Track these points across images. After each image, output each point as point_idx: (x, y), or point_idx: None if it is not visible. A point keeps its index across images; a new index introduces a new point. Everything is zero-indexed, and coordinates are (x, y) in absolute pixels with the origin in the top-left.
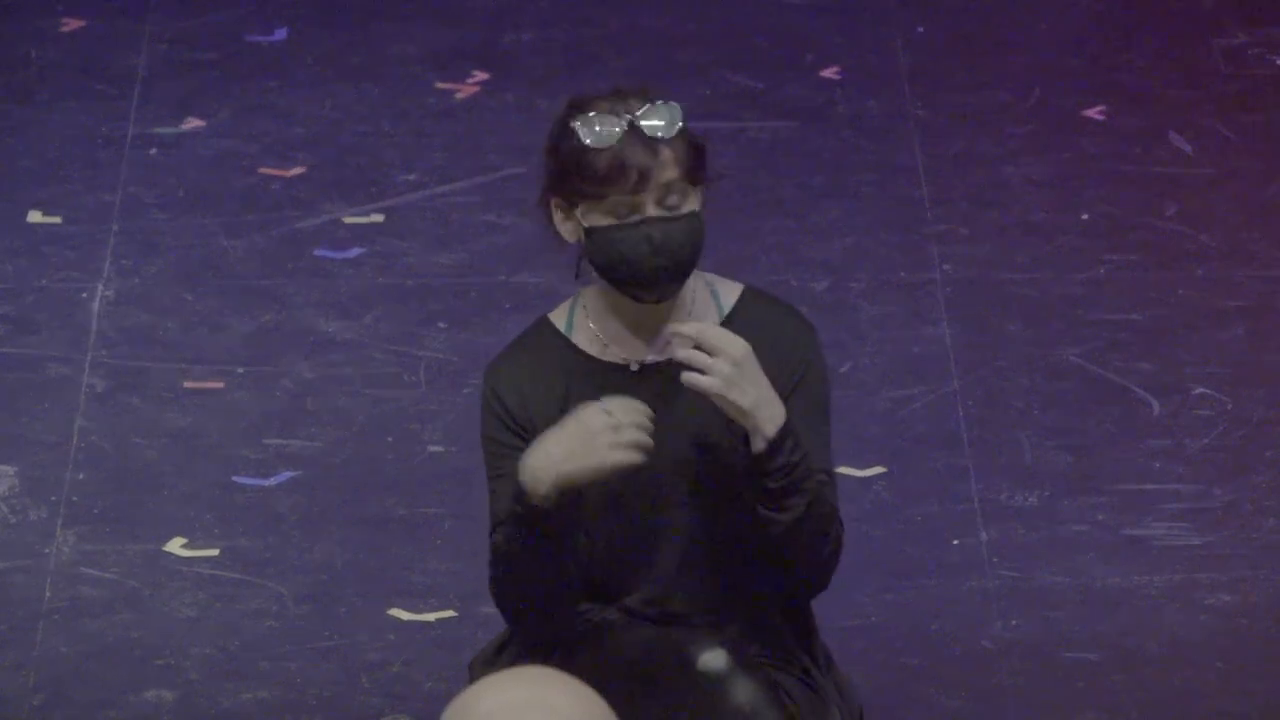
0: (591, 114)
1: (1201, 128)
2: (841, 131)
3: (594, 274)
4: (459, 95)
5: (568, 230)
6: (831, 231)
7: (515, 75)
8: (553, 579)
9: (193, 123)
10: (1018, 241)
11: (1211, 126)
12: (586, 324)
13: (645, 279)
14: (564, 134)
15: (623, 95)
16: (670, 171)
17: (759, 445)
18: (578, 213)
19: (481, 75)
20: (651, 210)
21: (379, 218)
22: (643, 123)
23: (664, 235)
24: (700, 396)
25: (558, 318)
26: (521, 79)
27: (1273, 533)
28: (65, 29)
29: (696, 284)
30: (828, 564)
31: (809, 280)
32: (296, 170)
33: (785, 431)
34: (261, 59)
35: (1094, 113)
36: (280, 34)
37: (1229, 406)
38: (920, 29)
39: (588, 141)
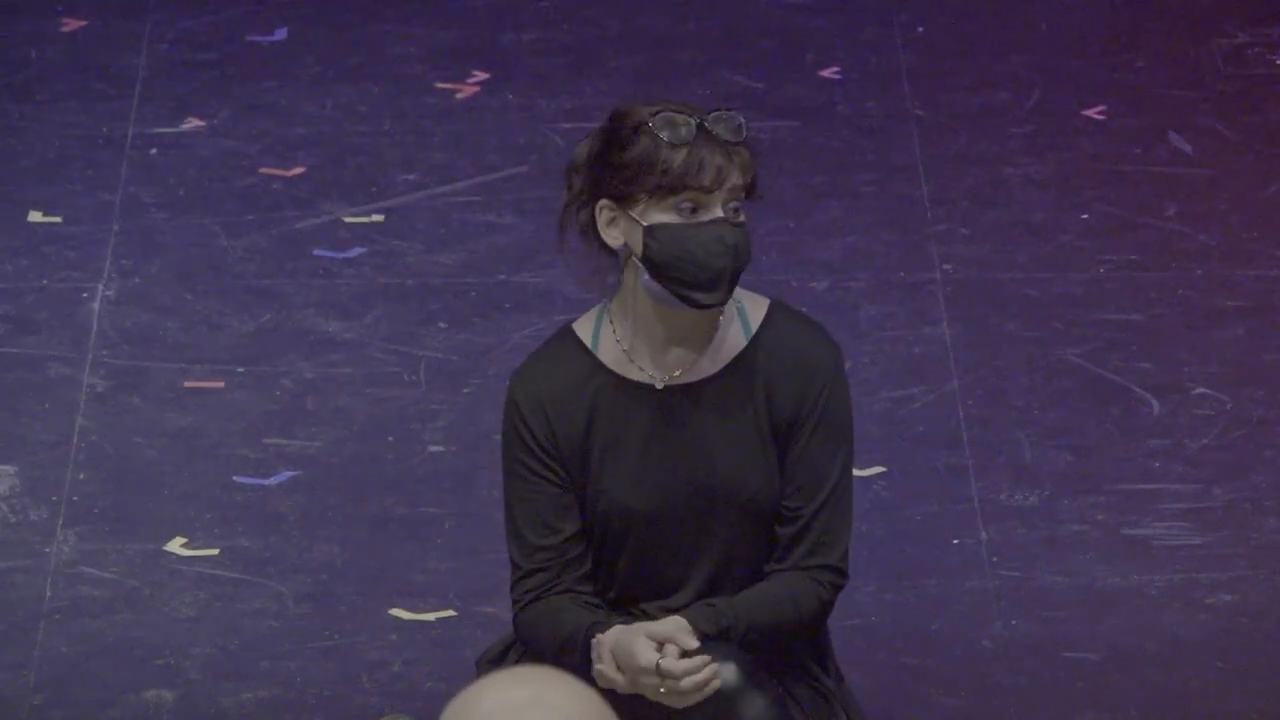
0: (664, 113)
1: (1201, 128)
2: (841, 131)
3: (642, 278)
4: (459, 95)
5: (614, 234)
6: (831, 231)
7: (515, 75)
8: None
9: (193, 123)
10: (1018, 241)
11: (1211, 126)
12: (613, 339)
13: (710, 280)
14: (624, 136)
15: (676, 105)
16: (738, 177)
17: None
18: (635, 212)
19: (481, 75)
20: (719, 212)
21: (379, 218)
22: (711, 126)
23: (735, 238)
24: (726, 418)
25: (582, 329)
26: (521, 79)
27: (1273, 533)
28: (65, 29)
29: (728, 304)
30: (812, 632)
31: (809, 280)
32: (296, 170)
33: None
34: (261, 59)
35: (1094, 113)
36: (280, 34)
37: (1229, 406)
38: (920, 29)
39: (664, 136)
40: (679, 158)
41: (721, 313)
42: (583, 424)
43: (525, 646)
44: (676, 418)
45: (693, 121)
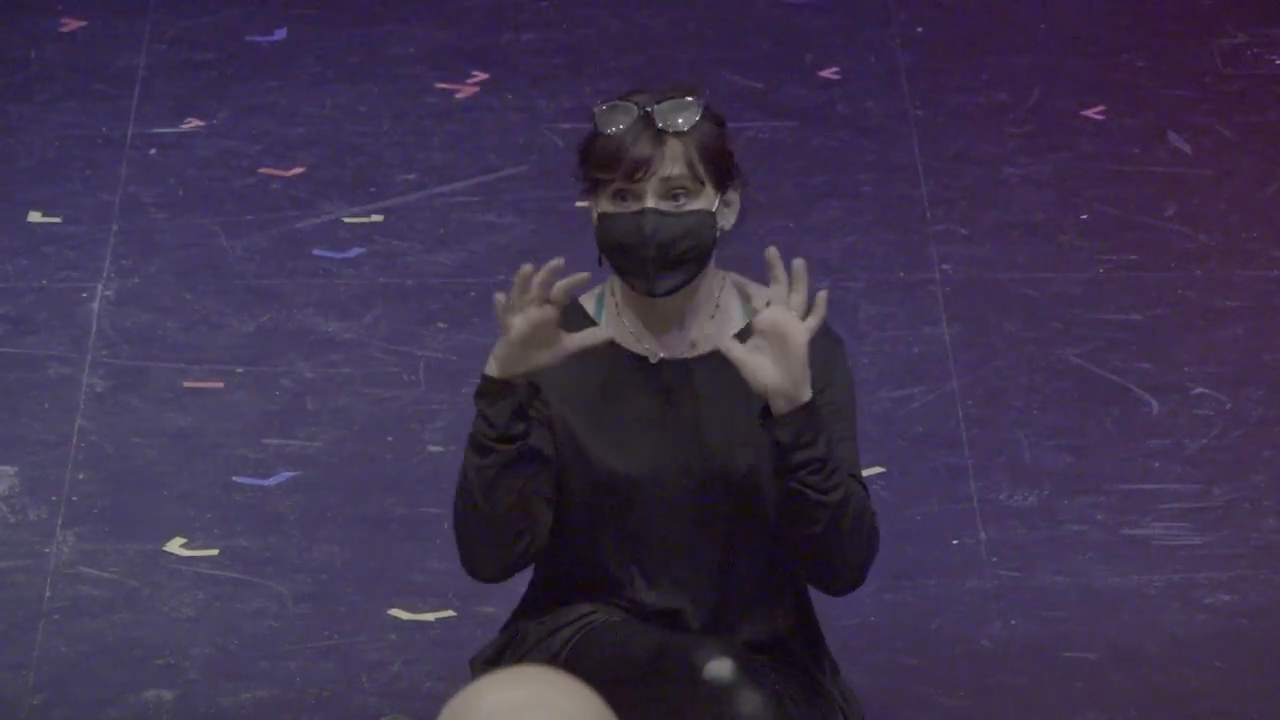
0: (613, 101)
1: (1200, 127)
2: (841, 131)
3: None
4: (459, 95)
5: (593, 219)
6: (831, 231)
7: (515, 75)
8: (514, 503)
9: (192, 122)
10: (1017, 241)
11: (1211, 126)
12: (615, 311)
13: (634, 268)
14: (591, 124)
15: (661, 90)
16: (675, 166)
17: (774, 419)
18: (595, 201)
19: (481, 75)
20: (651, 201)
21: (379, 217)
22: (656, 114)
23: (656, 226)
24: (718, 395)
25: (588, 301)
26: (521, 79)
27: (1272, 532)
28: (65, 29)
29: (726, 287)
30: (866, 555)
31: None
32: (296, 170)
33: (801, 411)
34: (261, 59)
35: (1093, 113)
36: (280, 34)
37: (1228, 406)
38: (920, 29)
39: (598, 126)
40: (608, 148)
41: (693, 298)
42: (573, 385)
43: (458, 508)
44: (669, 392)
45: (634, 110)
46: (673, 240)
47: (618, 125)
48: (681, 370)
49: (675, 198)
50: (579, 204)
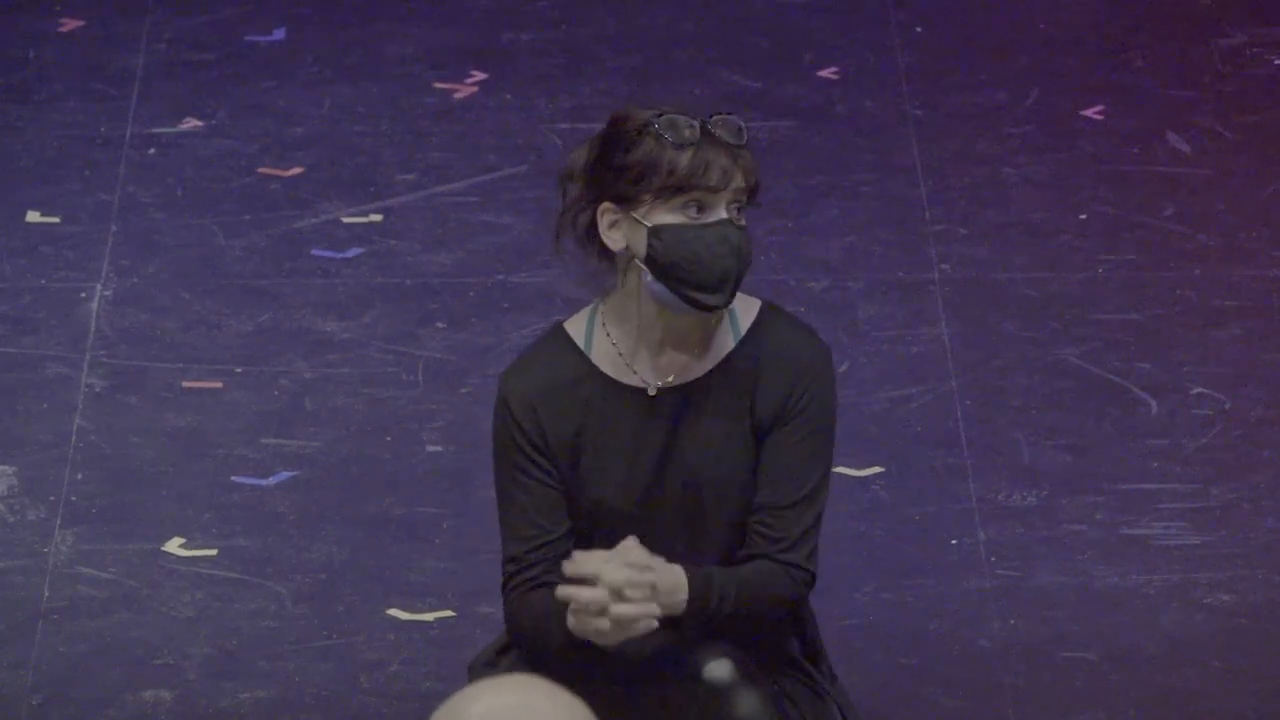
0: (666, 115)
1: (1200, 128)
2: (840, 131)
3: (645, 280)
4: (457, 95)
5: (616, 237)
6: (830, 231)
7: (514, 75)
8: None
9: (191, 122)
10: (1016, 241)
11: (1210, 126)
12: (607, 341)
13: (715, 281)
14: (627, 138)
15: (674, 108)
16: (742, 179)
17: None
18: (638, 214)
19: (480, 75)
20: (724, 213)
21: (377, 217)
22: (714, 129)
23: (738, 239)
24: (715, 419)
25: (575, 329)
26: (520, 79)
27: (1271, 532)
28: (64, 29)
29: None
30: (773, 625)
31: (807, 280)
32: (295, 170)
33: (690, 606)
34: (261, 59)
35: (1092, 112)
36: (279, 34)
37: (1227, 406)
38: (919, 29)
39: (668, 138)
40: (685, 158)
41: (721, 315)
42: (574, 425)
43: (515, 637)
44: (667, 421)
45: (696, 124)
46: (747, 254)
47: (687, 137)
48: (677, 396)
49: (737, 211)
50: (604, 209)
